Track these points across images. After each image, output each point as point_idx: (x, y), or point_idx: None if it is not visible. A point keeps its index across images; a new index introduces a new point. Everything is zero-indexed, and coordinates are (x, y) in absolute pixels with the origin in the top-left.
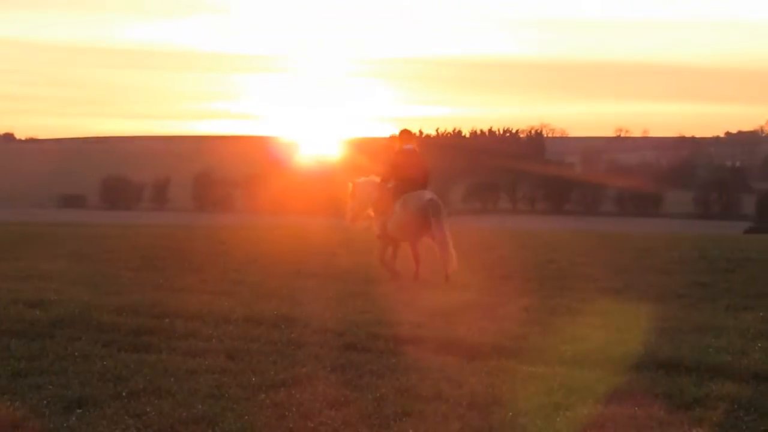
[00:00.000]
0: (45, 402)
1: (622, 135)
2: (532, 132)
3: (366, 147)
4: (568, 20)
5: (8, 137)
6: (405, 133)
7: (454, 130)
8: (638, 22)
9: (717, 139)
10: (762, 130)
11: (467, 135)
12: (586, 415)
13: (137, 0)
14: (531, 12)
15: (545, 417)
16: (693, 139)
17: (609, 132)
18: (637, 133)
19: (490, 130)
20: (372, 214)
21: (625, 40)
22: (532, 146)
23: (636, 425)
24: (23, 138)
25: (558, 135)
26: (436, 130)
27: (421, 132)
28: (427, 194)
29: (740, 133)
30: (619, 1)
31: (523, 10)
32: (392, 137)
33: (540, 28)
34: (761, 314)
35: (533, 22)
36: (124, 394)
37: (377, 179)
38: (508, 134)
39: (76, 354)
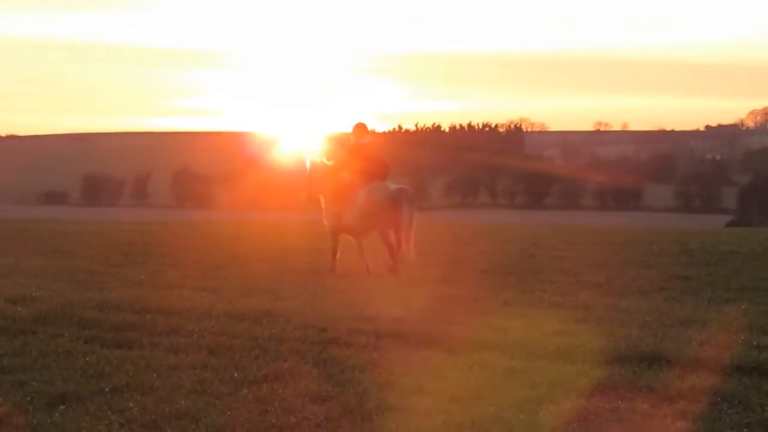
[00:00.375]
0: (28, 398)
1: (602, 129)
2: (512, 126)
3: (347, 143)
4: (547, 15)
5: None
6: (360, 126)
7: (433, 125)
8: (618, 17)
9: (697, 132)
10: (742, 123)
11: (446, 130)
12: (570, 408)
13: None
14: (510, 8)
15: (529, 411)
16: (673, 132)
17: (588, 126)
18: (616, 126)
19: (469, 125)
20: (323, 202)
21: (605, 35)
22: (512, 141)
23: (619, 418)
24: (2, 135)
25: (537, 129)
26: (415, 125)
27: (400, 127)
28: (393, 185)
29: (720, 126)
30: None
31: (502, 6)
32: (351, 131)
33: (519, 24)
34: (744, 307)
35: (513, 18)
36: (107, 390)
37: (330, 164)
38: (487, 129)
39: (59, 350)
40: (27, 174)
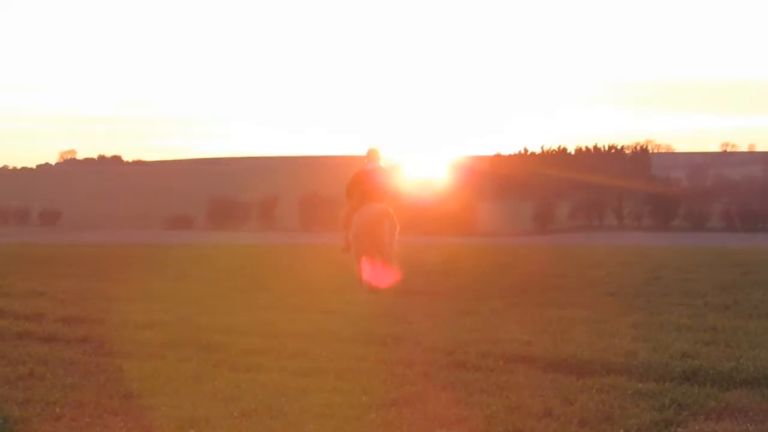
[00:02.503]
0: (158, 422)
1: (729, 150)
2: (638, 148)
3: (467, 165)
4: (673, 36)
5: (116, 159)
6: (371, 152)
7: (559, 147)
8: (744, 37)
9: None
10: None
11: (572, 152)
12: (698, 431)
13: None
14: (634, 28)
15: None
16: None
17: (715, 147)
18: (743, 147)
19: (595, 147)
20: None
21: (730, 55)
22: (638, 162)
23: None
24: (130, 160)
25: (664, 150)
26: (541, 148)
27: (526, 150)
28: (380, 206)
29: None
30: (721, 18)
31: (625, 27)
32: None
33: (645, 46)
34: None
35: (635, 38)
36: (235, 414)
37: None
38: (613, 150)
39: (187, 375)
40: (153, 199)
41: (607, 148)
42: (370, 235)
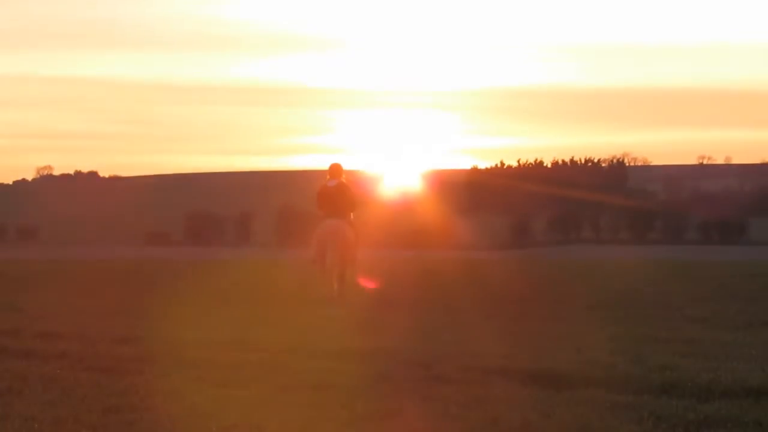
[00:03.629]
0: None
1: (705, 162)
2: (614, 161)
3: (443, 179)
4: (647, 47)
5: (92, 175)
6: (333, 168)
7: (536, 160)
8: (719, 47)
9: None
10: None
11: (548, 165)
12: None
13: (225, 37)
14: (608, 39)
15: None
16: None
17: (692, 159)
18: (720, 159)
19: (571, 160)
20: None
21: (707, 67)
22: (614, 175)
23: None
24: (107, 176)
25: (640, 163)
26: (518, 161)
27: (502, 163)
28: (336, 222)
29: None
30: (697, 27)
31: (600, 38)
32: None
33: (619, 55)
34: None
35: (610, 50)
36: (215, 429)
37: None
38: (589, 164)
39: (166, 390)
40: (130, 215)
41: (583, 161)
42: (325, 250)
